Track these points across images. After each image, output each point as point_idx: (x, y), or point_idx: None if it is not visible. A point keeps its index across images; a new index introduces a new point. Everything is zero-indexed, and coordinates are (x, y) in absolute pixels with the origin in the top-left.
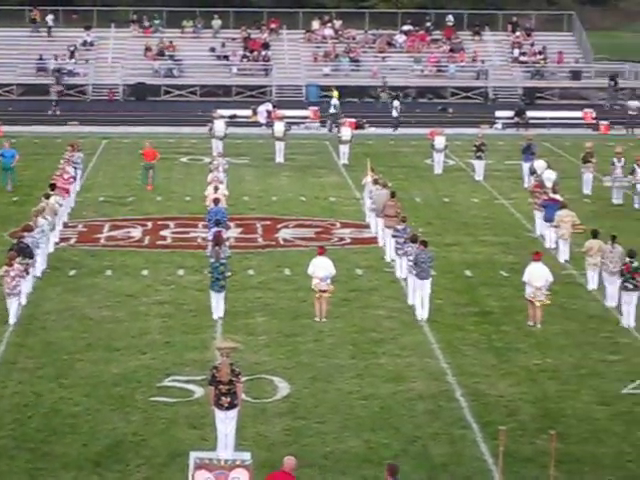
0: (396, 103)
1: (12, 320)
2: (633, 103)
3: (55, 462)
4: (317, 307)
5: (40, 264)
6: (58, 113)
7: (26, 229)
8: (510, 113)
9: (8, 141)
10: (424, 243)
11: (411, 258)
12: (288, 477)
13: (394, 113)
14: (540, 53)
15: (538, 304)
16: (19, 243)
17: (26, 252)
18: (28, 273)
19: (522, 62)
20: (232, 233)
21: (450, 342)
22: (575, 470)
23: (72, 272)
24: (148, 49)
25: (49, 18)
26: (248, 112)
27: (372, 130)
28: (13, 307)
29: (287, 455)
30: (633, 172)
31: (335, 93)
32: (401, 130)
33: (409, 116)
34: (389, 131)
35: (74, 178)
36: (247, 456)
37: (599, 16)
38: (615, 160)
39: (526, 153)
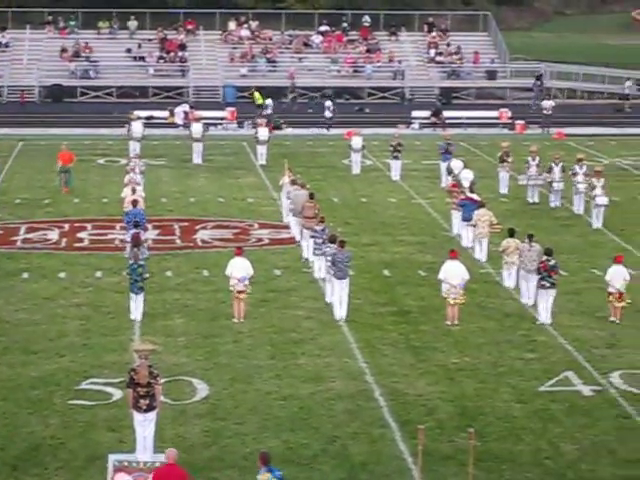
0: (328, 103)
1: None
2: (547, 102)
3: None
4: (235, 308)
5: None
6: None
7: None
8: (427, 113)
9: None
10: (342, 243)
11: (329, 258)
12: (172, 467)
13: (327, 113)
14: (456, 53)
15: (452, 302)
16: None
17: None
18: None
19: (438, 62)
20: (150, 235)
21: (369, 342)
22: (494, 468)
23: None
24: (64, 50)
25: None
26: (165, 113)
27: (289, 130)
28: None
29: (208, 457)
30: (550, 170)
31: (257, 94)
32: (317, 130)
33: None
34: (306, 131)
35: None
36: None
37: (514, 16)
38: (529, 159)
39: (444, 153)
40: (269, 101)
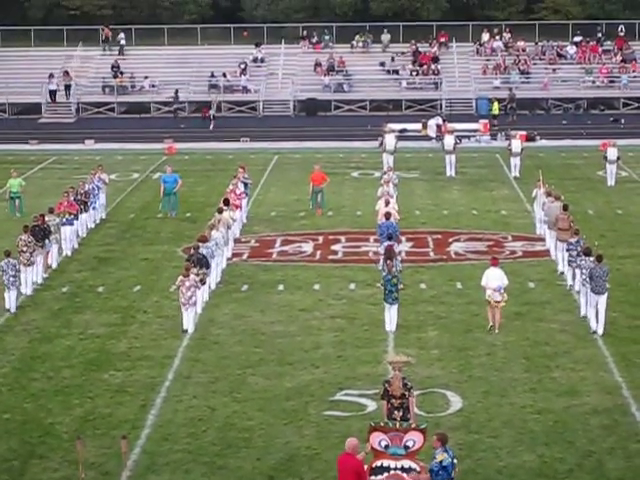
0: None
1: (190, 329)
2: None
3: (230, 476)
4: (490, 317)
5: (214, 277)
6: (211, 128)
7: (201, 240)
8: None
9: (170, 166)
10: (599, 257)
11: (585, 272)
12: (349, 457)
13: None
14: None
15: None
16: (196, 254)
17: (203, 262)
18: (204, 283)
19: None
20: (403, 247)
21: (625, 355)
22: None
23: (244, 287)
24: (318, 64)
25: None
26: (418, 126)
27: (543, 142)
28: (190, 316)
29: (462, 470)
30: None
31: (495, 105)
32: (571, 142)
33: (580, 128)
34: (560, 143)
35: (246, 194)
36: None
37: None
38: None
39: None
40: None
